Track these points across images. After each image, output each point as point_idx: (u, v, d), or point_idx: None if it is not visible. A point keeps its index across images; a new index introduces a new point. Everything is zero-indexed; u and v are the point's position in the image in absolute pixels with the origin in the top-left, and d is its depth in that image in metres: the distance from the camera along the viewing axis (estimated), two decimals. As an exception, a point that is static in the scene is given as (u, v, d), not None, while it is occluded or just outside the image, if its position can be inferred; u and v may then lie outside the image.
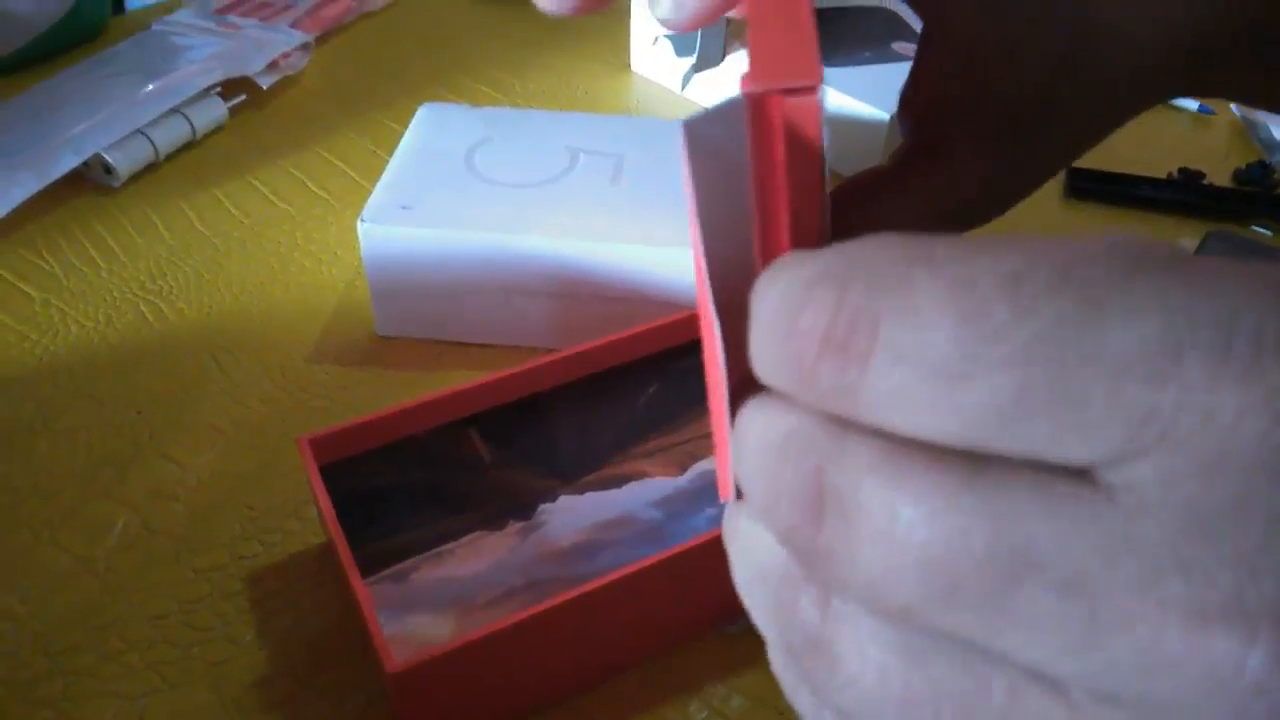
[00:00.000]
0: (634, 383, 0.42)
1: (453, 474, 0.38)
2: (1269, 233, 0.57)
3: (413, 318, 0.48)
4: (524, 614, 0.31)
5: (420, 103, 0.54)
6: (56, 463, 0.43)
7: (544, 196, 0.46)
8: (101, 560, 0.40)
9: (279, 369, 0.48)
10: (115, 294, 0.51)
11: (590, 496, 0.37)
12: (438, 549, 0.35)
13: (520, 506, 0.37)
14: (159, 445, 0.44)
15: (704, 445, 0.39)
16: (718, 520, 0.36)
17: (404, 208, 0.45)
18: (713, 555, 0.34)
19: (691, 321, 0.43)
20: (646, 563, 0.33)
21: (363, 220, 0.45)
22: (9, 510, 0.41)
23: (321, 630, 0.37)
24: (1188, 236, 0.55)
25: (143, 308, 0.51)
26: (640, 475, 0.38)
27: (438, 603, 0.34)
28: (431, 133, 0.50)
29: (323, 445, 0.37)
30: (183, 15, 0.71)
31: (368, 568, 0.35)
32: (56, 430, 0.45)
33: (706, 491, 0.37)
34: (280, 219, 0.56)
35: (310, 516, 0.41)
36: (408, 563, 0.35)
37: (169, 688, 0.36)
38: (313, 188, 0.58)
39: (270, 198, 0.58)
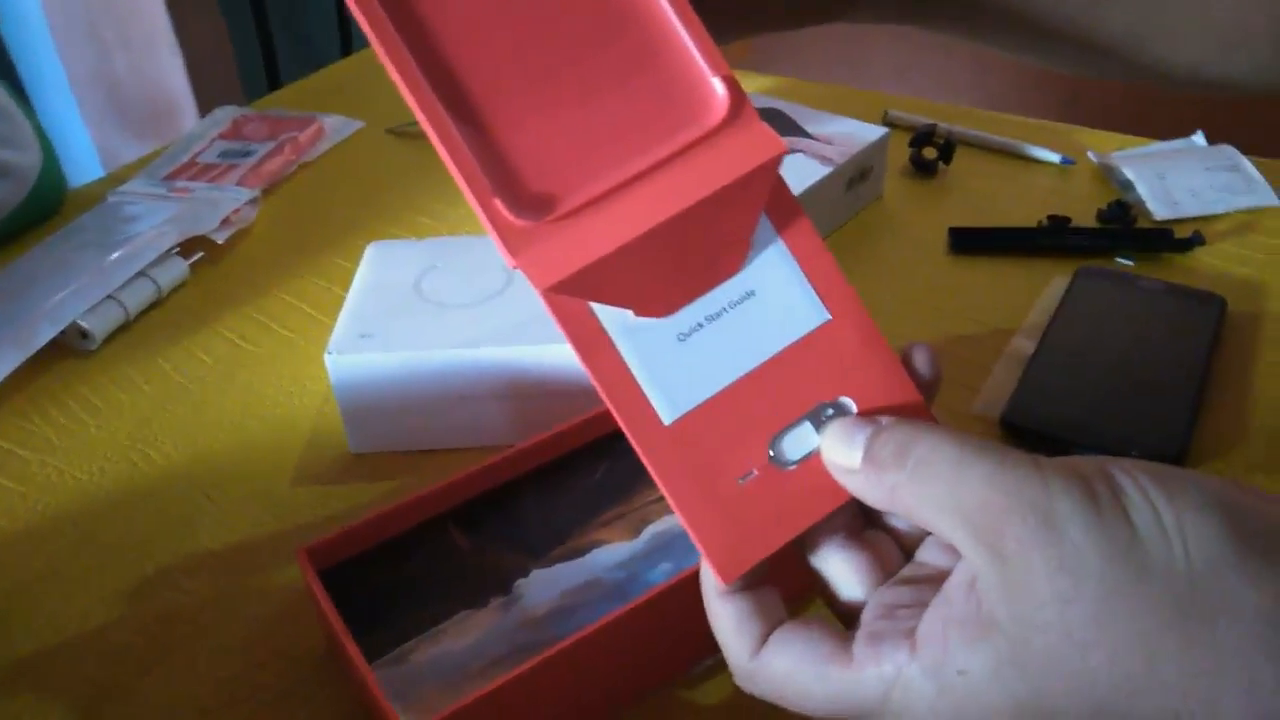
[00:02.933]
0: (587, 464, 0.47)
1: (436, 564, 0.43)
2: (1131, 262, 0.64)
3: (383, 433, 0.53)
4: (512, 674, 0.36)
5: (367, 240, 0.60)
6: (68, 606, 0.47)
7: (489, 311, 0.52)
8: (122, 684, 0.44)
9: (265, 495, 0.52)
10: (105, 447, 0.56)
11: (559, 567, 0.42)
12: (431, 630, 0.40)
13: (499, 584, 0.42)
14: (163, 576, 0.49)
15: (654, 510, 0.45)
16: (672, 573, 0.41)
17: (364, 336, 0.51)
18: (672, 602, 0.39)
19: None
20: (613, 616, 0.38)
21: (329, 352, 0.50)
22: (32, 657, 0.45)
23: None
24: (1060, 274, 0.63)
25: (132, 456, 0.56)
26: (601, 543, 0.43)
27: (437, 677, 0.38)
28: (381, 267, 0.56)
29: (318, 554, 0.42)
30: (135, 185, 0.77)
31: (372, 655, 0.39)
32: (66, 578, 0.49)
33: (659, 550, 0.43)
34: (250, 360, 0.62)
35: (311, 623, 0.45)
36: (406, 646, 0.40)
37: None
38: (276, 328, 0.64)
39: (238, 342, 0.63)
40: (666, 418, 0.29)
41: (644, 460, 0.29)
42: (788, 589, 0.30)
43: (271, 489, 0.53)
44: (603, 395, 0.29)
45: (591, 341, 0.29)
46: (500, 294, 0.53)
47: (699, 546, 0.28)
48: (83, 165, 1.50)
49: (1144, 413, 0.52)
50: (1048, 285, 0.62)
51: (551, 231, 0.28)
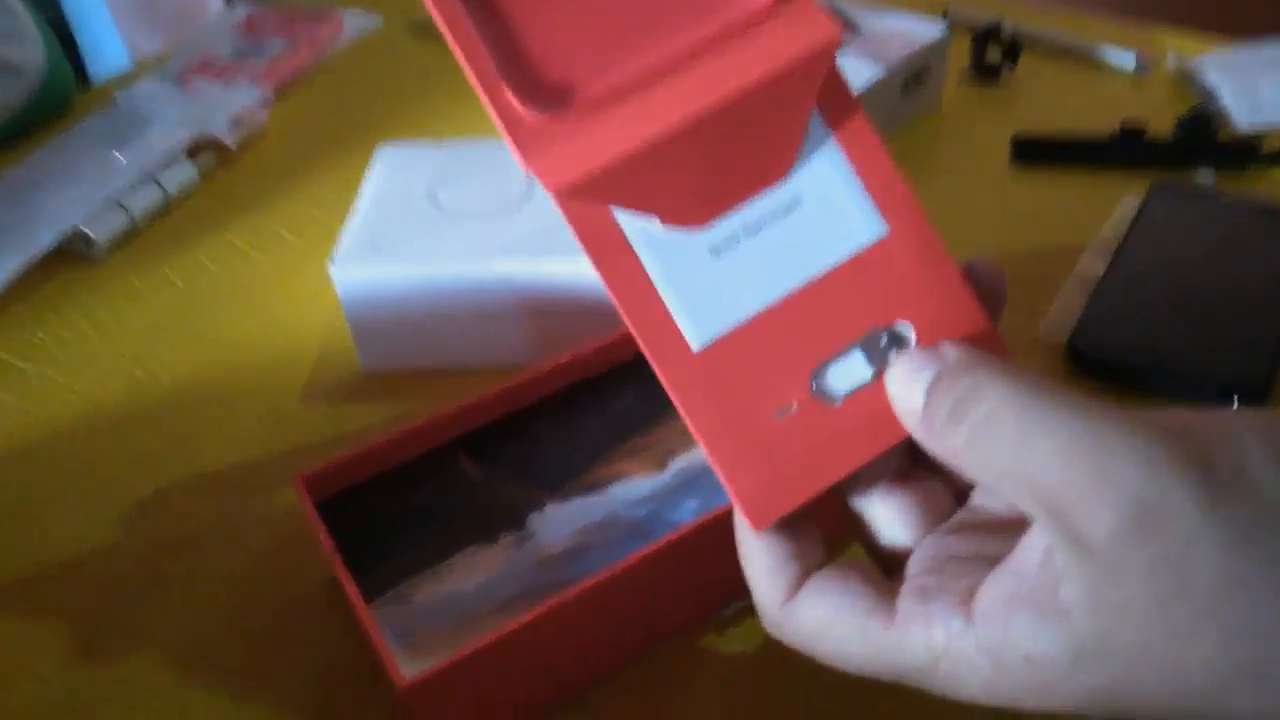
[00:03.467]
0: (609, 390, 0.43)
1: (445, 495, 0.40)
2: (1212, 178, 0.59)
3: (394, 351, 0.49)
4: (523, 618, 0.33)
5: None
6: (66, 528, 0.45)
7: (508, 222, 0.48)
8: (119, 614, 0.41)
9: (272, 414, 0.49)
10: (108, 361, 0.53)
11: (576, 502, 0.39)
12: (436, 568, 0.37)
13: (511, 519, 0.39)
14: (163, 499, 0.46)
15: (680, 442, 0.41)
16: (699, 511, 0.38)
17: (373, 247, 0.47)
18: (698, 544, 0.35)
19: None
20: (634, 558, 0.35)
21: (332, 262, 0.46)
22: (29, 580, 0.43)
23: (336, 661, 0.39)
24: (1133, 191, 0.57)
25: (136, 371, 0.53)
26: (622, 477, 0.40)
27: (442, 618, 0.35)
28: (392, 172, 0.52)
29: (318, 482, 0.39)
30: (146, 84, 0.73)
31: (371, 593, 0.37)
32: (64, 498, 0.46)
33: (686, 485, 0.39)
34: (259, 271, 0.58)
35: (314, 553, 0.43)
36: (408, 584, 0.37)
37: (188, 725, 0.37)
38: (288, 237, 0.60)
39: (247, 251, 0.60)
40: (695, 343, 0.25)
41: (668, 390, 0.25)
42: (825, 528, 0.27)
43: (279, 407, 0.50)
44: (623, 316, 0.25)
45: (612, 254, 0.25)
46: (521, 203, 0.49)
47: (728, 489, 0.25)
48: (114, 66, 1.46)
49: (1224, 341, 0.47)
50: (1120, 202, 0.57)
51: (569, 126, 0.25)
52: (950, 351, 0.25)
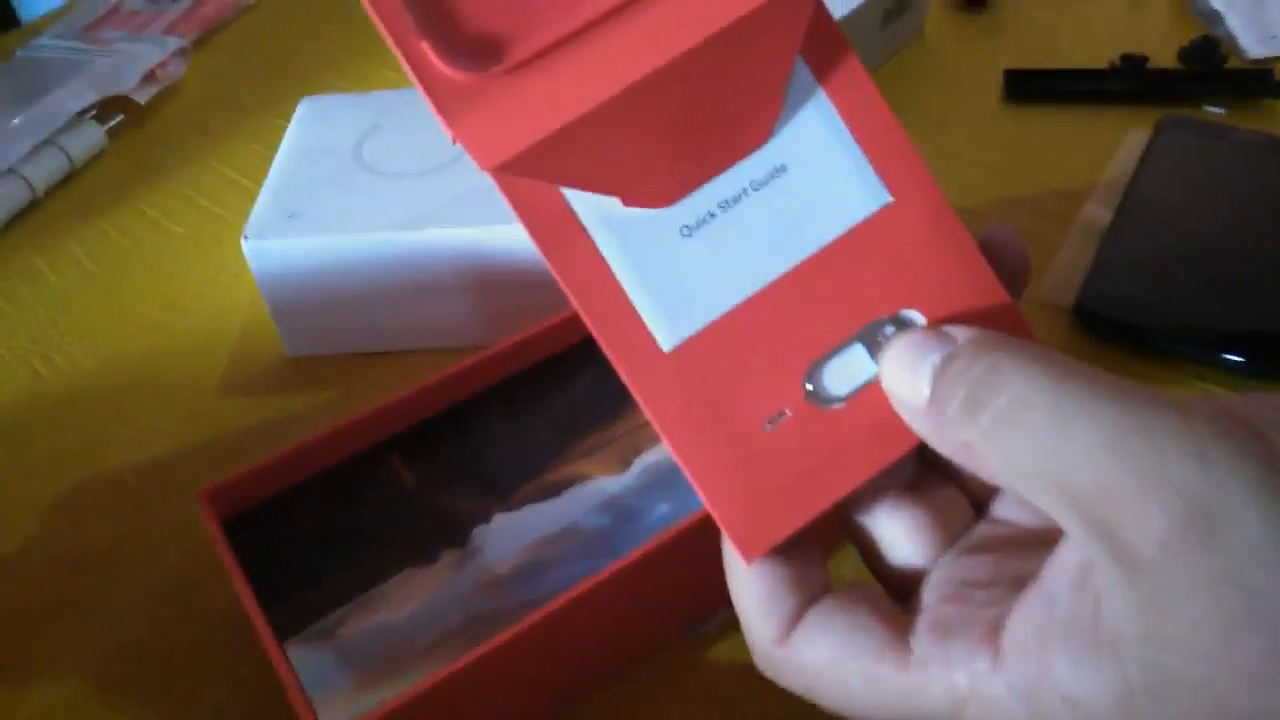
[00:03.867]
0: (565, 376, 0.38)
1: (375, 507, 0.34)
2: (1222, 110, 0.54)
3: (322, 334, 0.44)
4: (467, 658, 0.28)
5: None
6: None
7: (445, 183, 0.42)
8: (10, 644, 0.36)
9: (185, 410, 0.44)
10: (3, 351, 0.47)
11: (528, 510, 0.34)
12: (365, 594, 0.32)
13: (452, 533, 0.33)
14: (63, 511, 0.41)
15: (647, 435, 0.36)
16: (671, 518, 0.33)
17: (290, 216, 0.41)
18: (672, 556, 0.31)
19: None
20: (598, 578, 0.30)
21: (246, 237, 0.41)
22: None
23: (253, 700, 0.34)
24: (1139, 126, 0.52)
25: (35, 363, 0.47)
26: (582, 478, 0.35)
27: (372, 656, 0.30)
28: (314, 129, 0.46)
29: (225, 496, 0.34)
30: (48, 38, 0.66)
31: (291, 628, 0.31)
32: None
33: (655, 487, 0.34)
34: (174, 244, 0.52)
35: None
36: (334, 615, 0.32)
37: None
38: (205, 204, 0.54)
39: (161, 222, 0.54)
40: (666, 342, 0.21)
41: (638, 399, 0.21)
42: (823, 532, 0.22)
43: (193, 402, 0.44)
44: (581, 314, 0.21)
45: (563, 240, 0.21)
46: (460, 160, 0.43)
47: (713, 514, 0.21)
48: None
49: (1250, 297, 0.42)
50: (1124, 140, 0.52)
51: (502, 87, 0.20)
52: (960, 332, 0.21)
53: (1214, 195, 0.47)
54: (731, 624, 0.34)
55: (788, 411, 0.21)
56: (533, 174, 0.20)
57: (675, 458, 0.21)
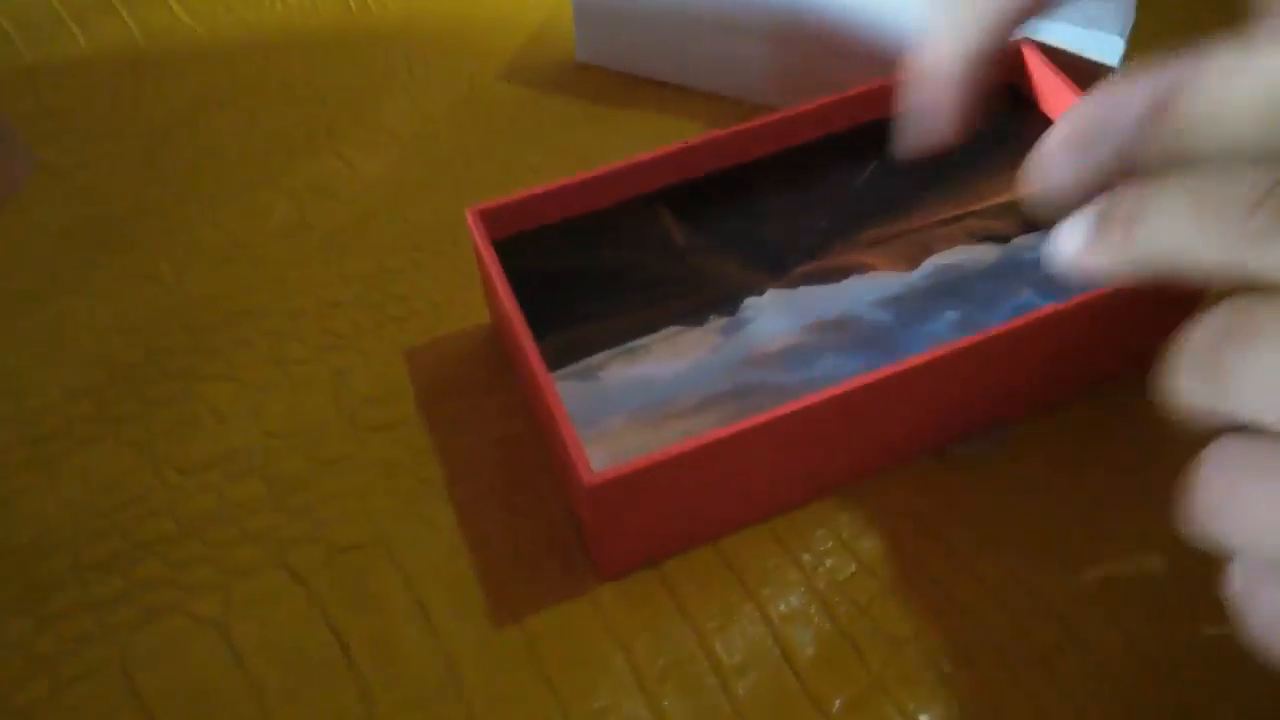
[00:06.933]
0: (851, 159, 0.35)
1: (643, 257, 0.33)
2: None
3: (616, 45, 0.42)
4: (736, 427, 0.27)
5: None
6: (231, 139, 0.42)
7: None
8: (254, 247, 0.38)
9: (468, 82, 0.44)
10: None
11: (804, 291, 0.32)
12: (630, 344, 0.31)
13: (722, 300, 0.32)
14: (333, 140, 0.42)
15: (942, 234, 0.33)
16: (959, 326, 0.30)
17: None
18: (956, 368, 0.28)
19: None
20: (878, 375, 0.28)
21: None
22: (181, 182, 0.40)
23: (506, 435, 0.33)
24: None
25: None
26: (864, 268, 0.32)
27: (633, 405, 0.29)
28: None
29: (495, 218, 0.32)
30: None
31: (550, 361, 0.30)
32: (238, 107, 0.43)
33: (944, 292, 0.31)
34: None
35: (476, 296, 0.37)
36: (597, 358, 0.30)
37: (290, 387, 0.34)
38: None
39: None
40: None
41: None
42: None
43: (477, 77, 0.45)
44: None
45: None
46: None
47: None
48: None
49: None
50: None
51: None
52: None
53: None
54: (984, 453, 0.32)
55: None
56: None
57: None
